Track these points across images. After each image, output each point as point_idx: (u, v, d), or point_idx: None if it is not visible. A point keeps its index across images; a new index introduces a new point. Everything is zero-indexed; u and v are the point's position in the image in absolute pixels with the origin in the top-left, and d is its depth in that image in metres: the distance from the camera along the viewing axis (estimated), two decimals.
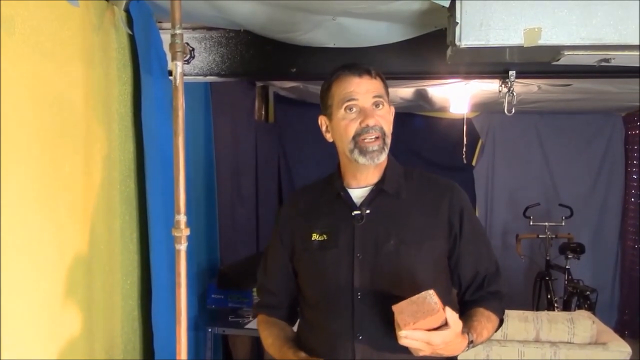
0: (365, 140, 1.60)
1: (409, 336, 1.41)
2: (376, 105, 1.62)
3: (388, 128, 1.64)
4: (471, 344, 1.54)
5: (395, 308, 1.43)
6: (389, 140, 1.64)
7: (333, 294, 1.63)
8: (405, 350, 1.48)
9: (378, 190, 1.67)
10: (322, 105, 1.71)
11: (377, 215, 1.65)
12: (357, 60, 1.73)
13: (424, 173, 1.76)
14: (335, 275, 1.63)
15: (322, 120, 1.71)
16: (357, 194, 1.68)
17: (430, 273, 1.62)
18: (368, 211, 1.65)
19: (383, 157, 1.63)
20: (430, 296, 1.41)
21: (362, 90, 1.61)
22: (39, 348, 1.78)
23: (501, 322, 1.71)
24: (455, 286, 1.74)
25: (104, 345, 2.15)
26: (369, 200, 1.66)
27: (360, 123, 1.60)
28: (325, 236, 1.66)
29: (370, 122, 1.59)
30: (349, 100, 1.61)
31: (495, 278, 1.70)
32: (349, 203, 1.67)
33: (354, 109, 1.62)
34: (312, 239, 1.68)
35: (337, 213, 1.68)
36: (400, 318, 1.41)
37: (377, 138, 1.60)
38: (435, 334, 1.42)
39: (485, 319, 1.62)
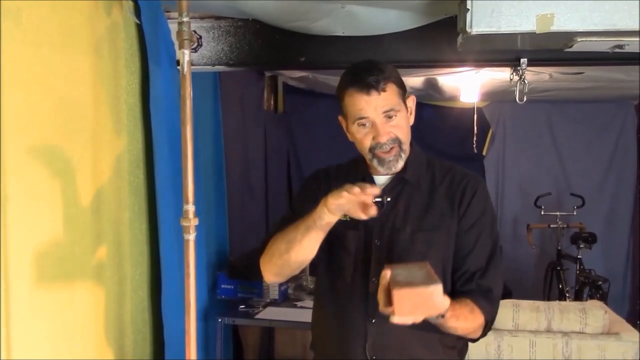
0: (382, 153, 1.62)
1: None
2: (389, 117, 1.62)
3: (404, 134, 1.64)
4: (442, 318, 1.43)
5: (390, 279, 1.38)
6: (406, 146, 1.65)
7: (349, 277, 1.67)
8: (417, 335, 1.50)
9: (399, 179, 1.69)
10: (340, 107, 1.70)
11: (397, 203, 1.67)
12: (367, 51, 1.71)
13: (445, 163, 1.76)
14: (354, 258, 1.67)
15: (341, 120, 1.72)
16: (380, 181, 1.70)
17: (443, 262, 1.63)
18: (389, 199, 1.67)
19: (400, 164, 1.65)
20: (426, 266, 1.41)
21: (371, 107, 1.60)
22: (48, 341, 1.79)
23: (487, 323, 1.62)
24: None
25: (114, 336, 2.16)
26: (390, 188, 1.68)
27: (373, 139, 1.62)
28: (347, 217, 1.65)
29: (382, 139, 1.61)
30: (360, 119, 1.62)
31: (486, 275, 1.63)
32: None
33: (367, 124, 1.62)
34: None
35: None
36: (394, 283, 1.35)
37: (392, 149, 1.62)
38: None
39: (467, 310, 1.56)
